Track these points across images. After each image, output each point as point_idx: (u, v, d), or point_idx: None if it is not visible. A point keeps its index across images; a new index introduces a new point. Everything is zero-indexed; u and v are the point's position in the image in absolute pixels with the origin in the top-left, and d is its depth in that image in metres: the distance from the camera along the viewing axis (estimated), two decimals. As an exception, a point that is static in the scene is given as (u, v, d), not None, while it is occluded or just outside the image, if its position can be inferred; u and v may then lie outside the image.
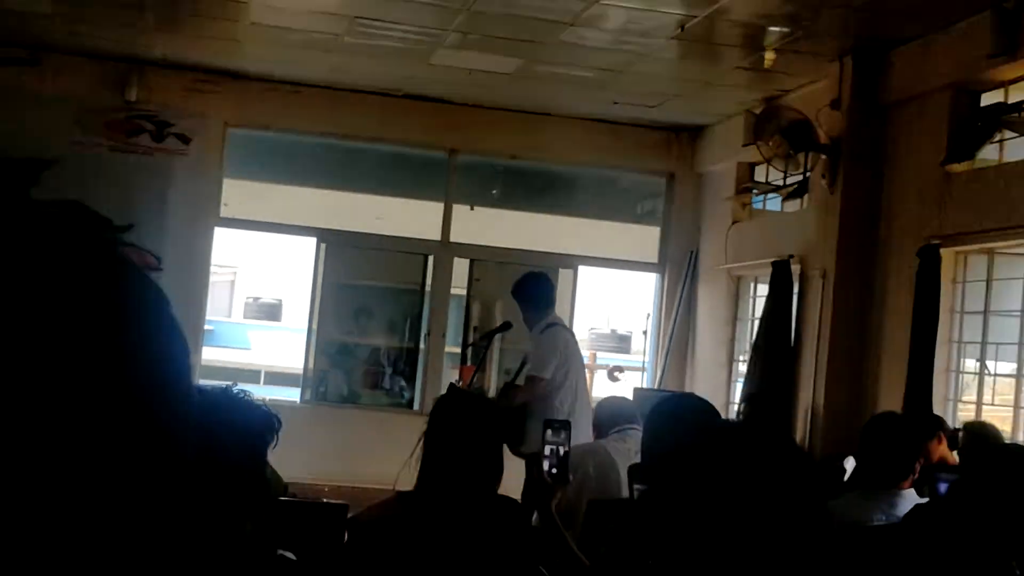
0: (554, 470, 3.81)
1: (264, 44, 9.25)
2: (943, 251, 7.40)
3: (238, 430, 2.19)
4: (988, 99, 7.47)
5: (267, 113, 10.55)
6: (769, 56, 8.43)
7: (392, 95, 10.51)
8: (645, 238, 11.56)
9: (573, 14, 7.68)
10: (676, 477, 1.62)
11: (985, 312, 7.45)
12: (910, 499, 4.29)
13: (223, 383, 2.36)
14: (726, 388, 10.16)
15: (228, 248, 10.97)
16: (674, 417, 3.43)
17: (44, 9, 8.69)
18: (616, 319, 12.04)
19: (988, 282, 7.48)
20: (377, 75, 9.94)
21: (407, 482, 3.93)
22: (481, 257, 11.24)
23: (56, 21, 9.08)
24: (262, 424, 2.26)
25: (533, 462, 3.95)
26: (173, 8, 8.48)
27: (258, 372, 12.60)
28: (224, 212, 10.68)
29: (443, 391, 9.13)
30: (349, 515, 3.99)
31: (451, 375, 10.89)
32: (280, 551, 2.86)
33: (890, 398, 7.57)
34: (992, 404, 7.28)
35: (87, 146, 10.13)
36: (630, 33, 8.05)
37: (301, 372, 11.06)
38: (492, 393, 8.22)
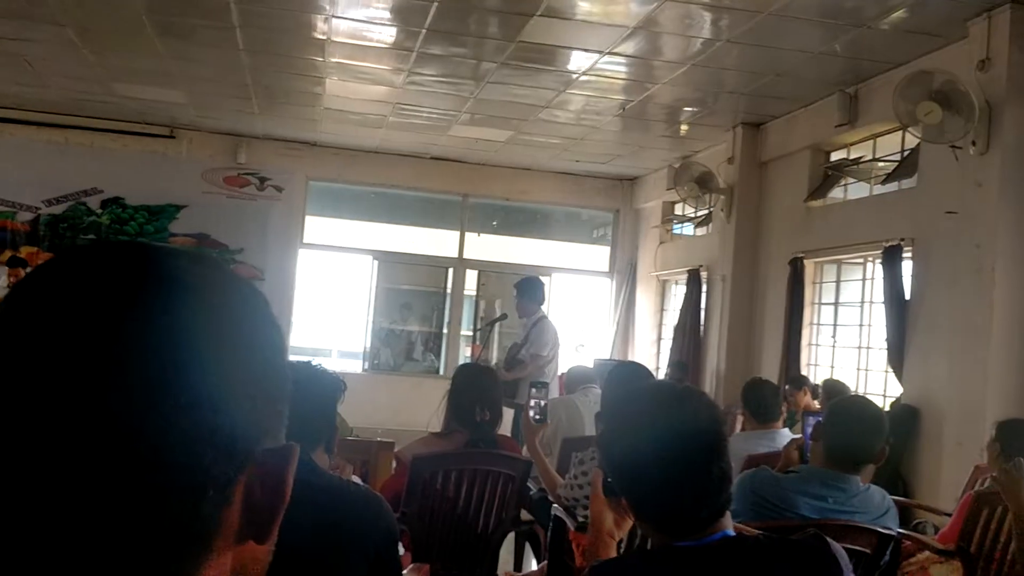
0: (537, 416, 3.81)
1: (334, 122, 9.22)
2: (806, 261, 7.41)
3: (317, 390, 2.18)
4: (835, 156, 7.48)
5: (336, 170, 10.51)
6: (684, 127, 8.44)
7: (422, 157, 10.48)
8: (599, 254, 11.54)
9: (547, 100, 7.67)
10: (625, 417, 1.61)
11: (835, 304, 7.45)
12: (785, 435, 4.30)
13: (307, 358, 2.35)
14: (656, 358, 10.15)
15: (309, 264, 10.90)
16: (623, 377, 3.43)
17: (180, 100, 8.69)
18: (580, 310, 12.00)
19: (837, 283, 7.48)
20: (412, 143, 9.91)
21: (435, 425, 3.93)
22: (485, 269, 11.19)
23: (188, 108, 9.06)
24: (333, 386, 2.24)
25: (523, 410, 3.94)
26: (270, 99, 8.46)
27: (331, 350, 12.55)
28: (306, 239, 10.64)
29: (459, 363, 9.11)
30: (395, 449, 3.98)
31: (465, 351, 10.90)
32: (352, 477, 2.85)
33: (770, 365, 7.58)
34: (841, 367, 7.29)
35: (211, 194, 10.10)
36: (587, 113, 8.05)
37: (362, 349, 11.03)
38: (493, 364, 8.16)
